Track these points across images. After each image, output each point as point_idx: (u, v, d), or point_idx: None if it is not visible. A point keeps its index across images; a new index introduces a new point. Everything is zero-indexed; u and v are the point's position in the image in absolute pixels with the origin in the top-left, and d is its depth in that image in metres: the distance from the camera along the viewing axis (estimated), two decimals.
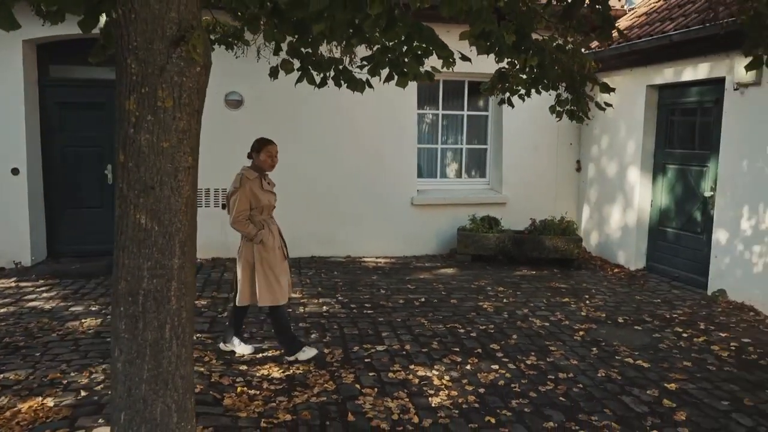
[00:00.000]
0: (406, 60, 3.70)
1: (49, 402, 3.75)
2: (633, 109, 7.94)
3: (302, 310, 5.97)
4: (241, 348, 4.78)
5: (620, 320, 5.94)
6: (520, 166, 8.98)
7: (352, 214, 8.46)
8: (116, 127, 2.35)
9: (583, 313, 6.12)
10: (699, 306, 6.46)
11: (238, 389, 4.08)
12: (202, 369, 4.39)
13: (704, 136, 7.10)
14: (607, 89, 3.83)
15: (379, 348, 4.98)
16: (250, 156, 4.63)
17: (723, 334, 5.56)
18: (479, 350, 4.99)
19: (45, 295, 6.19)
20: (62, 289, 6.42)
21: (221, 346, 4.83)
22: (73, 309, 5.72)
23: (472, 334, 5.38)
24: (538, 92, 4.16)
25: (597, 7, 2.90)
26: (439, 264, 8.25)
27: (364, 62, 3.89)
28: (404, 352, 4.89)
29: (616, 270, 8.08)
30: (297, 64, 3.91)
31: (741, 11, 2.64)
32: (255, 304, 4.57)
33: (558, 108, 4.16)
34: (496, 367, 4.66)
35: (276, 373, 4.42)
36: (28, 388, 3.96)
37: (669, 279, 7.52)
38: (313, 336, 5.23)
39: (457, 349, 5.00)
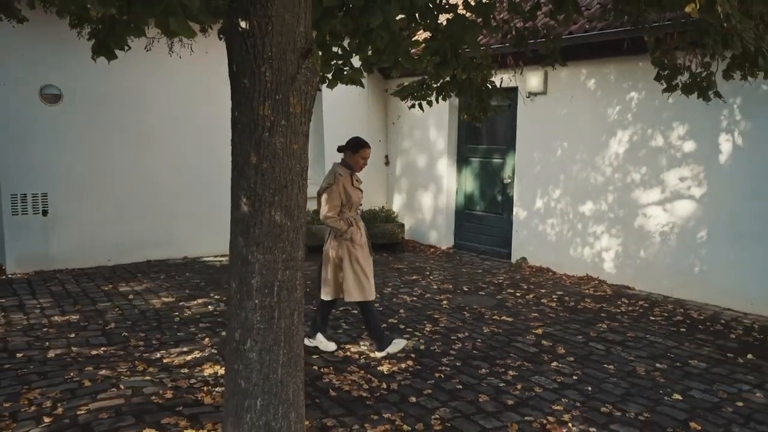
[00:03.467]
0: (354, 67, 4.15)
1: None
2: (439, 110, 9.22)
3: (189, 312, 5.87)
4: (326, 345, 4.91)
5: (465, 288, 7.11)
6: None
7: (187, 213, 8.27)
8: (241, 130, 2.47)
9: (435, 287, 7.15)
10: (511, 272, 8.00)
11: (205, 388, 4.09)
12: (147, 378, 4.24)
13: (502, 134, 8.70)
14: (506, 98, 4.83)
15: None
16: (341, 150, 4.70)
17: (542, 290, 7.08)
18: (384, 325, 5.62)
19: None
20: None
21: (306, 342, 4.81)
22: None
23: None
24: (444, 99, 4.97)
25: (550, 37, 3.76)
26: None
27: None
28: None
29: (432, 250, 9.37)
30: None
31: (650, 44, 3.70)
32: (341, 299, 4.72)
33: (465, 112, 5.00)
34: (408, 336, 5.35)
35: (222, 370, 4.47)
36: None
37: (477, 253, 9.03)
38: (224, 334, 5.28)
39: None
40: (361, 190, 4.88)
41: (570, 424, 3.75)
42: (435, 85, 4.87)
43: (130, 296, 6.37)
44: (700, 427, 3.75)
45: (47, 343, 4.88)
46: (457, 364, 4.74)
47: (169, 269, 7.63)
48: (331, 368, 4.55)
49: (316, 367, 4.55)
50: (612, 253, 7.41)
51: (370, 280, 4.76)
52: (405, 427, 3.65)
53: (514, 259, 8.46)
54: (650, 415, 3.90)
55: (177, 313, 5.81)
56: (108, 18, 2.96)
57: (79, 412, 3.63)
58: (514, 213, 8.46)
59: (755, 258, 6.17)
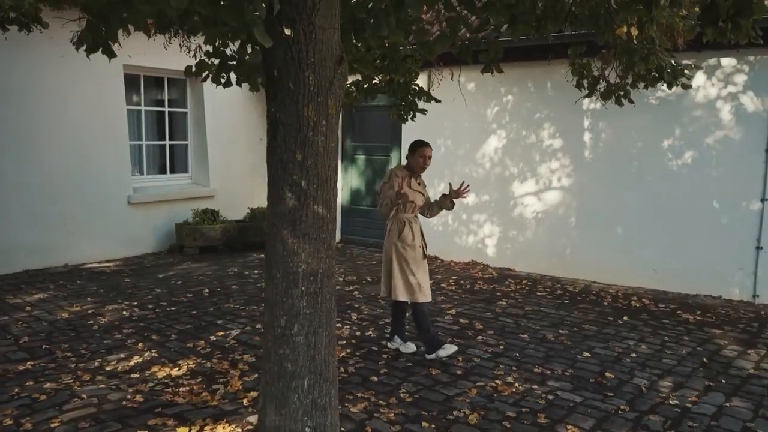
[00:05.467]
0: None
1: None
2: None
3: (105, 320, 5.60)
4: (405, 347, 4.99)
5: (369, 279, 7.52)
6: (222, 160, 9.57)
7: (65, 219, 7.71)
8: (285, 131, 2.64)
9: (341, 279, 7.47)
10: None
11: (169, 390, 4.05)
12: (102, 386, 4.09)
13: (387, 132, 9.21)
14: (435, 100, 5.30)
15: (234, 333, 5.32)
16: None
17: (438, 276, 7.71)
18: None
19: None
20: None
21: (389, 344, 5.05)
22: None
23: None
24: (372, 99, 5.32)
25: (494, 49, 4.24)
26: (173, 259, 8.32)
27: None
28: (262, 330, 5.37)
29: None
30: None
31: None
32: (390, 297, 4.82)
33: (394, 112, 5.36)
34: (348, 324, 5.63)
35: (174, 371, 4.43)
36: None
37: (365, 246, 9.47)
38: (155, 338, 5.16)
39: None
40: (423, 194, 4.89)
41: (516, 384, 4.32)
42: (365, 87, 5.20)
43: (27, 308, 5.88)
44: (613, 376, 4.53)
45: None
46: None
47: (55, 278, 7.09)
48: None
49: None
50: (494, 239, 8.26)
51: (421, 282, 4.71)
52: (381, 402, 3.97)
53: None
54: (573, 371, 4.61)
55: (92, 322, 5.51)
56: (98, 13, 2.92)
57: (52, 425, 3.45)
58: None
59: (615, 238, 7.32)
